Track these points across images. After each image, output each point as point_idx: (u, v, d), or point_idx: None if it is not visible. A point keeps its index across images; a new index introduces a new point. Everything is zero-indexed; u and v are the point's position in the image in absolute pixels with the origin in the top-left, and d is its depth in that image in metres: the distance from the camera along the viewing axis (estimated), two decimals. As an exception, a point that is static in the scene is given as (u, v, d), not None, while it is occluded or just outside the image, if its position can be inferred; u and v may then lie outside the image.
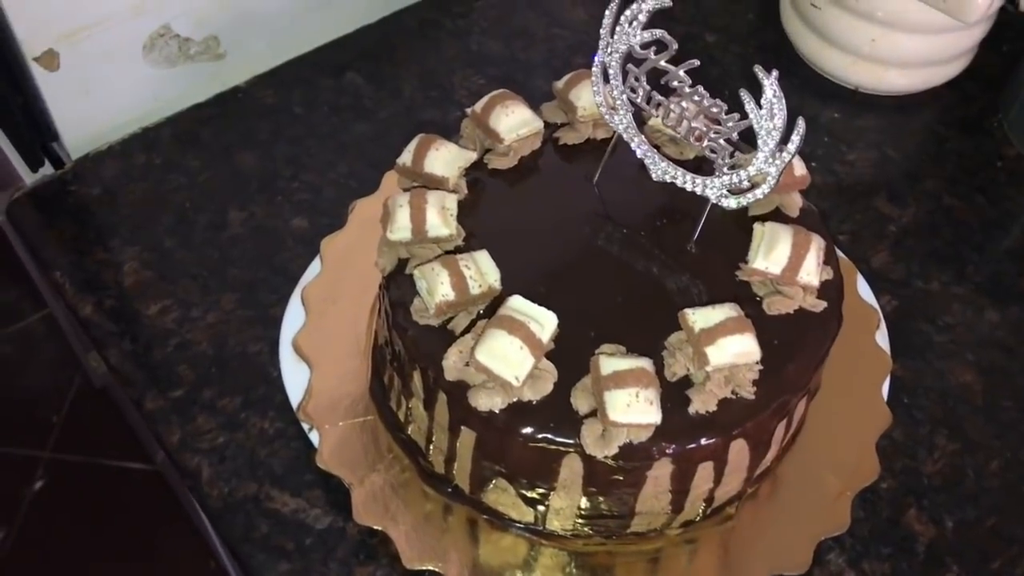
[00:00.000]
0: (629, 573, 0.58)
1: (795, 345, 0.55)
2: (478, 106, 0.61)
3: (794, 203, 0.60)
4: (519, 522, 0.58)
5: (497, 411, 0.52)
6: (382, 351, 0.61)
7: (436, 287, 0.53)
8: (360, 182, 0.77)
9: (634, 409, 0.50)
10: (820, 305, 0.57)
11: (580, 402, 0.52)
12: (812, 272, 0.56)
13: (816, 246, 0.56)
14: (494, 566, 0.57)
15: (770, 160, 0.53)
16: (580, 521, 0.57)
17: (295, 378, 0.63)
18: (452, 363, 0.53)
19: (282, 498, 0.62)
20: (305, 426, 0.61)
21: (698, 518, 0.58)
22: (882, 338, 0.66)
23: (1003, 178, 0.81)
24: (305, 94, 0.83)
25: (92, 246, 0.74)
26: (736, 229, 0.59)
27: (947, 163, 0.82)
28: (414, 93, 0.83)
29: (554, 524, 0.58)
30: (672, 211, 0.60)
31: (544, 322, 0.52)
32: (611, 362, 0.51)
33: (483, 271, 0.55)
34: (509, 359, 0.51)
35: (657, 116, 0.58)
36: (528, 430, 0.52)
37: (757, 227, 0.57)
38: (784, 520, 0.59)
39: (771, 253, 0.55)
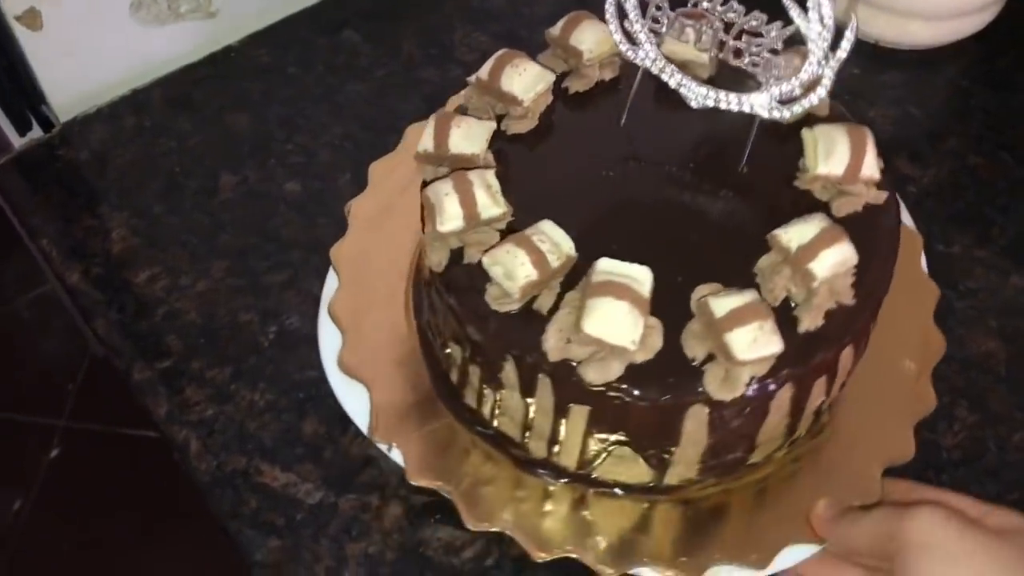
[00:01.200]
0: (742, 507, 0.57)
1: (874, 241, 0.54)
2: (483, 72, 0.57)
3: (823, 105, 0.58)
4: (634, 485, 0.56)
5: (612, 381, 0.49)
6: (446, 351, 0.58)
7: (516, 269, 0.50)
8: (355, 144, 0.74)
9: (759, 343, 0.48)
10: (883, 196, 0.55)
11: (694, 349, 0.50)
12: (873, 165, 0.54)
13: (870, 137, 0.54)
14: (612, 534, 0.56)
15: (823, 63, 0.51)
16: (699, 467, 0.55)
17: (346, 391, 0.60)
18: (553, 343, 0.50)
19: (272, 472, 0.60)
20: (383, 446, 0.58)
21: (803, 434, 0.57)
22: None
23: (1032, 136, 0.77)
24: (300, 53, 0.80)
25: (80, 212, 0.72)
26: (779, 143, 0.56)
27: (972, 120, 0.78)
28: (413, 51, 0.80)
29: (673, 479, 0.56)
30: (714, 138, 0.58)
31: (642, 278, 0.50)
32: (722, 302, 0.49)
33: (556, 241, 0.51)
34: (622, 324, 0.48)
35: (686, 41, 0.56)
36: (651, 391, 0.50)
37: (806, 132, 0.55)
38: (875, 416, 0.59)
39: (831, 156, 0.54)
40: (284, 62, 0.79)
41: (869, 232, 0.54)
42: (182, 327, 0.66)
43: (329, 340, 0.61)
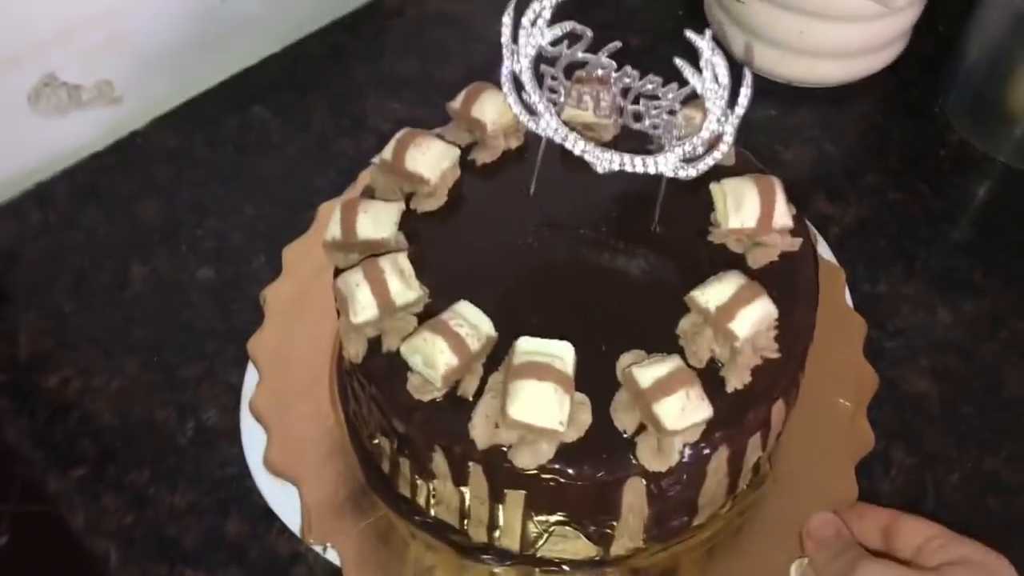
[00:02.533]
0: (693, 567, 0.56)
1: (794, 289, 0.54)
2: (387, 153, 0.56)
3: (728, 154, 0.57)
4: (580, 560, 0.55)
5: (545, 463, 0.48)
6: (374, 442, 0.57)
7: (435, 356, 0.48)
8: (269, 224, 0.72)
9: (688, 411, 0.47)
10: (797, 242, 0.55)
11: (624, 421, 0.49)
12: (784, 213, 0.54)
13: (778, 186, 0.54)
14: None
15: (723, 120, 0.51)
16: (643, 536, 0.54)
17: (272, 489, 0.58)
18: (481, 431, 0.48)
19: (196, 577, 0.58)
20: (318, 548, 0.56)
21: (744, 488, 0.57)
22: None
23: (947, 166, 0.78)
24: (208, 134, 0.78)
25: (-15, 315, 0.69)
26: (690, 197, 0.56)
27: (889, 155, 0.79)
28: (325, 123, 0.79)
29: (619, 550, 0.55)
30: (624, 199, 0.58)
31: (564, 355, 0.49)
32: (646, 372, 0.48)
33: (474, 323, 0.50)
34: (547, 406, 0.47)
35: (584, 108, 0.55)
36: (585, 470, 0.49)
37: (715, 187, 0.55)
38: (815, 459, 0.59)
39: (741, 208, 0.54)
40: (192, 143, 0.78)
41: (788, 281, 0.54)
42: (97, 430, 0.63)
43: (252, 437, 0.60)
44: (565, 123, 0.55)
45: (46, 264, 0.71)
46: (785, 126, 0.80)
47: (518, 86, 0.54)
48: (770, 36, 0.78)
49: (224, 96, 0.80)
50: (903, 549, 0.52)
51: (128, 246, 0.72)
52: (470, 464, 0.50)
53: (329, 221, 0.55)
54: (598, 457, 0.49)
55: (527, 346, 0.49)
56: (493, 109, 0.57)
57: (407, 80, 0.82)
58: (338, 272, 0.54)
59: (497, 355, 0.50)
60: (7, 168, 0.75)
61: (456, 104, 0.59)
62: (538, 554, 0.55)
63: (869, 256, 0.72)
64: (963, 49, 0.78)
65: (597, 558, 0.55)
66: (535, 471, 0.48)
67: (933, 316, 0.69)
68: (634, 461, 0.48)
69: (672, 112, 0.53)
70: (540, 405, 0.47)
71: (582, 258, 0.56)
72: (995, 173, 0.78)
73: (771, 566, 0.55)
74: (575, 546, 0.54)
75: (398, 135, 0.57)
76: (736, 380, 0.50)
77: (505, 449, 0.48)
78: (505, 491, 0.51)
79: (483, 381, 0.50)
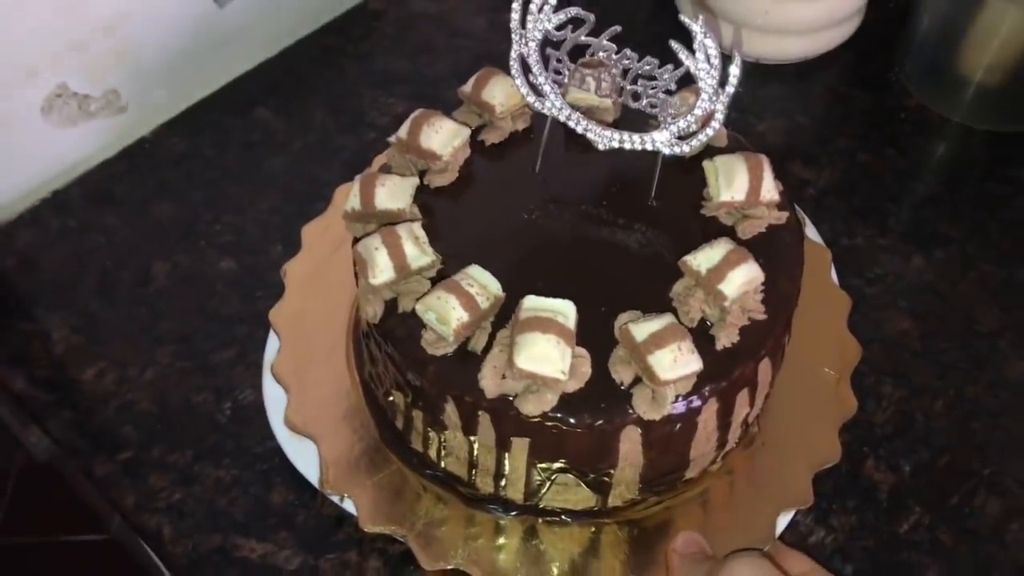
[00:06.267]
0: (686, 521, 0.59)
1: (780, 257, 0.58)
2: (402, 132, 0.60)
3: (721, 136, 0.62)
4: (580, 511, 0.59)
5: (548, 411, 0.52)
6: (389, 399, 0.60)
7: (448, 313, 0.52)
8: (283, 217, 0.76)
9: (680, 363, 0.51)
10: (784, 215, 0.59)
11: (621, 374, 0.53)
12: (771, 188, 0.58)
13: (766, 163, 0.59)
14: (564, 561, 0.58)
15: (714, 98, 0.55)
16: (639, 486, 0.58)
17: (296, 450, 0.62)
18: (489, 381, 0.52)
19: (248, 544, 0.61)
20: (335, 498, 0.60)
21: (734, 446, 0.60)
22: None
23: (908, 128, 0.84)
24: (214, 136, 0.82)
25: (15, 318, 0.72)
26: (684, 175, 0.60)
27: (854, 121, 0.84)
28: (325, 121, 0.83)
29: (616, 500, 0.58)
30: (623, 176, 0.61)
31: (566, 311, 0.53)
32: (641, 327, 0.52)
33: (484, 283, 0.54)
34: (551, 357, 0.51)
35: (587, 89, 0.59)
36: (585, 417, 0.52)
37: (707, 164, 0.59)
38: (802, 423, 0.63)
39: (732, 183, 0.58)
40: (200, 146, 0.81)
41: (774, 250, 0.58)
42: (137, 417, 0.66)
43: (275, 402, 0.63)
44: (569, 104, 0.59)
45: (69, 267, 0.74)
46: (757, 100, 0.85)
47: (525, 69, 0.58)
48: (738, 17, 0.84)
49: (226, 100, 0.84)
50: None
51: (148, 245, 0.75)
52: (479, 413, 0.54)
53: (348, 196, 0.59)
54: (597, 406, 0.52)
55: (532, 303, 0.53)
56: (502, 93, 0.62)
57: (399, 77, 0.86)
58: (356, 241, 0.58)
59: (504, 315, 0.54)
60: (24, 179, 0.78)
61: (467, 88, 0.63)
62: (541, 504, 0.58)
63: (845, 213, 0.77)
64: (915, 19, 0.84)
65: (596, 507, 0.59)
66: (539, 418, 0.52)
67: (907, 263, 0.75)
68: (630, 410, 0.52)
69: (668, 91, 0.57)
70: (544, 356, 0.51)
71: (583, 230, 0.60)
72: (952, 132, 0.84)
73: (760, 519, 0.59)
74: (575, 495, 0.58)
75: (413, 115, 0.61)
76: (725, 338, 0.54)
77: (511, 398, 0.52)
78: (511, 439, 0.54)
79: (491, 337, 0.54)
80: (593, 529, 0.59)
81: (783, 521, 0.59)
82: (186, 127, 0.82)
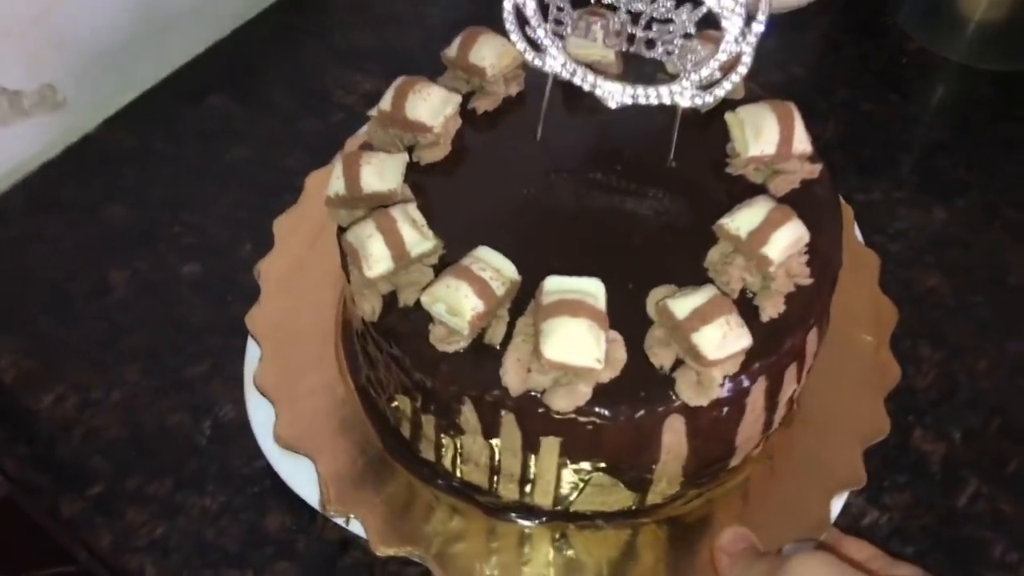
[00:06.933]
0: (727, 513, 0.54)
1: (818, 214, 0.52)
2: (385, 103, 0.54)
3: (738, 87, 0.56)
4: (615, 512, 0.53)
5: (582, 405, 0.46)
6: (393, 405, 0.54)
7: (460, 303, 0.46)
8: (250, 212, 0.69)
9: (729, 339, 0.45)
10: (817, 168, 0.54)
11: (660, 357, 0.47)
12: (804, 139, 0.53)
13: (795, 111, 0.53)
14: (600, 569, 0.53)
15: (740, 39, 0.49)
16: (682, 480, 0.52)
17: (290, 468, 0.56)
18: (513, 376, 0.46)
19: (245, 579, 0.55)
20: (340, 520, 0.54)
21: (776, 426, 0.55)
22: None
23: (912, 73, 0.80)
24: (166, 128, 0.74)
25: (-45, 350, 0.64)
26: (699, 132, 0.55)
27: (853, 69, 0.80)
28: (288, 104, 0.76)
29: (656, 497, 0.53)
30: (635, 137, 0.56)
31: (595, 291, 0.47)
32: (682, 303, 0.46)
33: (497, 267, 0.48)
34: (584, 343, 0.45)
35: (593, 39, 0.53)
36: (623, 410, 0.47)
37: (731, 116, 0.54)
38: (843, 395, 0.58)
39: (761, 136, 0.52)
40: (151, 140, 0.74)
41: (811, 206, 0.52)
42: (106, 445, 0.59)
43: (262, 417, 0.57)
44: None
45: (13, 283, 0.67)
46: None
47: (522, 21, 0.52)
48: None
49: (176, 88, 0.77)
50: None
51: (101, 253, 0.68)
52: (502, 413, 0.48)
53: (324, 185, 0.53)
54: (636, 395, 0.47)
55: (555, 285, 0.47)
56: (492, 53, 0.56)
57: (365, 51, 0.79)
58: (343, 230, 0.52)
59: (520, 301, 0.49)
60: (-46, 189, 0.70)
61: (452, 52, 0.57)
62: (572, 508, 0.53)
63: (856, 167, 0.73)
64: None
65: (633, 507, 0.53)
66: (572, 414, 0.46)
67: (929, 215, 0.70)
68: (674, 397, 0.47)
69: (687, 35, 0.51)
70: (576, 342, 0.45)
71: (597, 199, 0.54)
72: (955, 73, 0.80)
73: (806, 507, 0.54)
74: (612, 496, 0.53)
75: (395, 83, 0.54)
76: (772, 308, 0.49)
77: (538, 394, 0.46)
78: (540, 439, 0.49)
79: (510, 327, 0.48)
80: (630, 531, 0.54)
81: (836, 506, 0.54)
82: (134, 120, 0.75)
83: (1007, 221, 0.70)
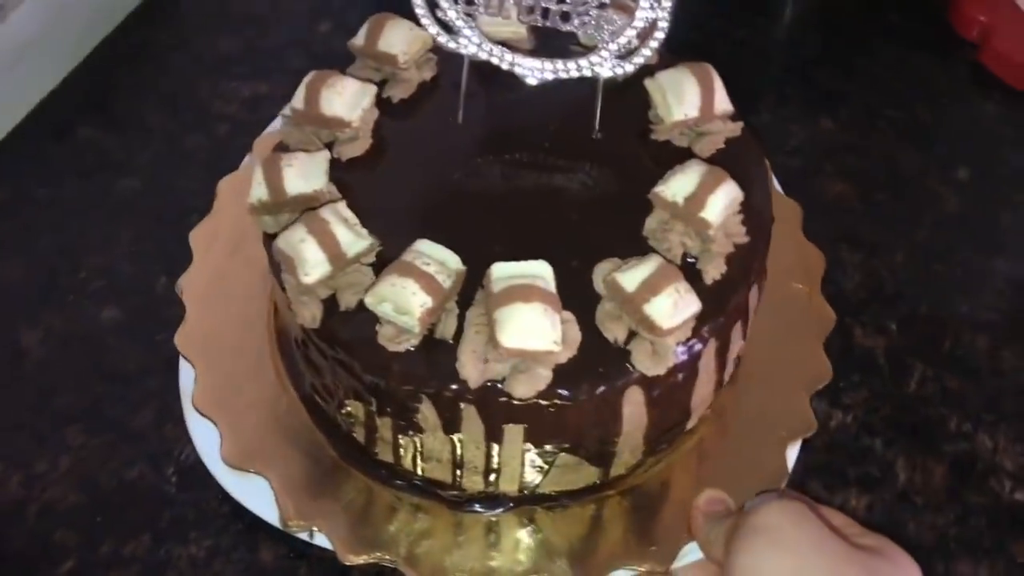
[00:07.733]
0: (686, 475, 0.54)
1: (747, 171, 0.53)
2: (297, 101, 0.52)
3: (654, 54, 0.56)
4: (580, 490, 0.53)
5: (543, 388, 0.45)
6: (344, 411, 0.52)
7: (408, 301, 0.45)
8: (157, 241, 0.65)
9: (680, 306, 0.46)
10: (739, 126, 0.55)
11: (613, 331, 0.47)
12: (724, 99, 0.54)
13: (713, 72, 0.54)
14: (570, 547, 0.52)
15: (655, 5, 0.49)
16: (643, 449, 0.52)
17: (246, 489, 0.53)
18: (470, 369, 0.45)
19: (254, 619, 0.52)
20: (303, 535, 0.52)
21: (724, 385, 0.56)
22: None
23: (770, -6, 0.82)
24: (38, 170, 0.69)
25: None
26: (618, 101, 0.54)
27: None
28: (165, 124, 0.72)
29: (619, 469, 0.53)
30: (557, 113, 0.56)
31: (544, 273, 0.46)
32: (630, 275, 0.46)
33: (441, 259, 0.47)
34: (540, 327, 0.44)
35: (507, 16, 0.52)
36: (584, 388, 0.46)
37: (650, 83, 0.54)
38: (783, 345, 0.59)
39: (683, 100, 0.53)
40: (25, 187, 0.68)
41: (739, 165, 0.53)
42: (67, 516, 0.55)
43: (206, 438, 0.54)
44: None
45: (-88, 366, 0.61)
46: None
47: (431, 4, 0.51)
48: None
49: (38, 127, 0.71)
50: None
51: (3, 316, 0.63)
52: (462, 407, 0.47)
53: (238, 192, 0.51)
54: (594, 372, 0.47)
55: (503, 271, 0.47)
56: (401, 40, 0.54)
57: (231, 56, 0.76)
58: (268, 238, 0.50)
59: (467, 291, 0.48)
60: None
61: (359, 40, 0.55)
62: (538, 491, 0.53)
63: (740, 92, 0.74)
64: None
65: (597, 482, 0.54)
66: (534, 399, 0.46)
67: (817, 126, 0.73)
68: (631, 369, 0.47)
69: (602, 5, 0.51)
70: (532, 328, 0.45)
71: (528, 178, 0.54)
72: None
73: (761, 460, 0.54)
74: (577, 475, 0.53)
75: (306, 79, 0.53)
76: (714, 270, 0.49)
77: (498, 383, 0.46)
78: (503, 427, 0.48)
79: (460, 319, 0.48)
80: (595, 506, 0.54)
81: (791, 454, 0.55)
82: (1, 171, 0.69)
83: (890, 122, 0.74)
